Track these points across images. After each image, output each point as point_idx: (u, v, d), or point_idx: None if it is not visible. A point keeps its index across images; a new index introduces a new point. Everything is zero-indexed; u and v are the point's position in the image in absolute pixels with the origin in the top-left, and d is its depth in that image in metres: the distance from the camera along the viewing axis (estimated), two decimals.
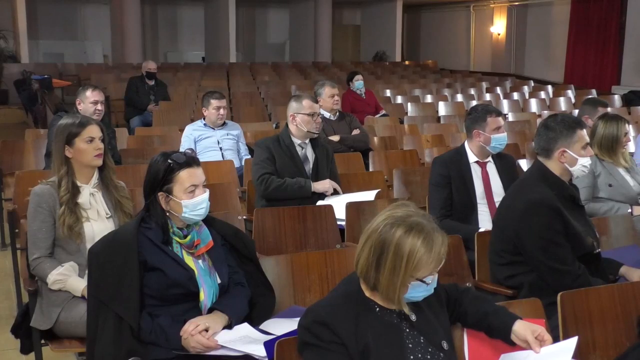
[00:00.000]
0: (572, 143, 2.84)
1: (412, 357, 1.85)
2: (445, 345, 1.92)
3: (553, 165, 2.87)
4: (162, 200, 2.36)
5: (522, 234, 2.76)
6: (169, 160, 2.36)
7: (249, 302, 2.48)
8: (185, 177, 2.36)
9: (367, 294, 1.90)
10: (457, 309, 2.08)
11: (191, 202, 2.35)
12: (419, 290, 1.85)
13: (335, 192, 3.96)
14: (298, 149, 4.01)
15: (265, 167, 3.90)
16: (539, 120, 7.82)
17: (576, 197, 2.92)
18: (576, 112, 6.41)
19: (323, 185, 3.92)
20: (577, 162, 2.85)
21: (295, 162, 3.96)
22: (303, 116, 3.97)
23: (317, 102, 4.15)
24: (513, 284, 2.85)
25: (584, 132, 2.88)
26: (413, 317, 1.91)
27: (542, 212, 2.71)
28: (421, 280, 1.82)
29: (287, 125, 4.07)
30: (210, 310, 2.36)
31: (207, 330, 2.25)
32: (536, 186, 2.81)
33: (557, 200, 2.75)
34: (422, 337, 1.89)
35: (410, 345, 1.87)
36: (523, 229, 2.75)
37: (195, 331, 2.23)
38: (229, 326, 2.34)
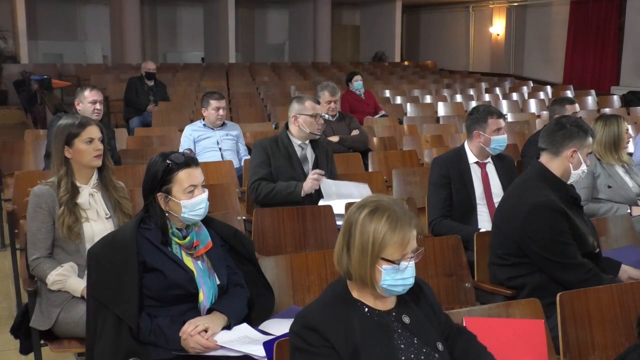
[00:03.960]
0: (583, 147, 2.86)
1: (403, 357, 1.84)
2: (440, 346, 1.91)
3: (557, 165, 2.86)
4: (161, 200, 2.36)
5: (528, 237, 2.74)
6: (168, 161, 2.36)
7: (248, 302, 2.48)
8: (184, 177, 2.36)
9: (355, 294, 1.90)
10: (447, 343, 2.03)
11: (190, 203, 2.35)
12: (394, 277, 1.83)
13: (321, 192, 3.90)
14: (298, 149, 4.00)
15: (257, 172, 3.88)
16: (538, 121, 7.84)
17: (577, 198, 2.92)
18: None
19: (306, 185, 3.79)
20: (581, 166, 2.86)
21: (292, 163, 3.94)
22: (305, 117, 3.96)
23: (319, 103, 4.13)
24: (515, 284, 2.85)
25: (591, 140, 2.91)
26: (407, 320, 1.90)
27: (547, 215, 2.71)
28: (390, 261, 1.82)
29: (286, 125, 4.07)
30: (209, 311, 2.37)
31: (206, 331, 2.25)
32: (539, 188, 2.79)
33: (560, 201, 2.75)
34: (415, 338, 1.89)
35: (403, 346, 1.86)
36: (529, 232, 2.74)
37: (194, 332, 2.24)
38: (227, 327, 2.34)
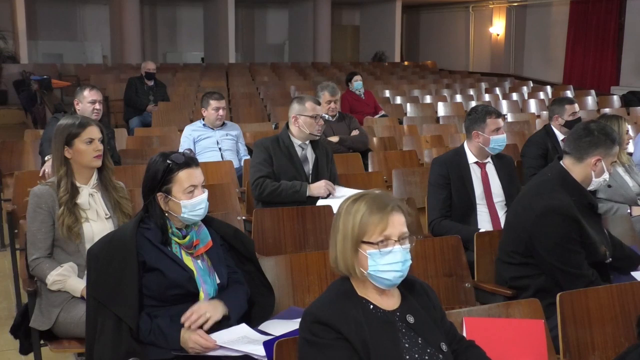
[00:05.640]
0: (608, 156, 2.80)
1: (407, 357, 1.84)
2: (444, 347, 1.91)
3: (579, 171, 2.81)
4: (161, 200, 2.36)
5: (536, 238, 2.73)
6: (168, 161, 2.36)
7: (248, 301, 2.48)
8: (184, 177, 2.36)
9: (359, 292, 1.91)
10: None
11: (190, 203, 2.35)
12: (380, 262, 1.83)
13: (330, 194, 3.93)
14: (298, 149, 4.00)
15: (261, 169, 3.89)
16: (538, 121, 7.84)
17: (594, 205, 2.87)
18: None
19: (318, 189, 3.88)
20: (603, 175, 2.81)
21: (293, 163, 3.95)
22: (305, 118, 3.96)
23: (319, 103, 4.13)
24: (518, 284, 2.84)
25: (617, 149, 2.86)
26: (411, 320, 1.91)
27: (558, 219, 2.68)
28: (372, 244, 1.83)
29: (287, 125, 4.07)
30: None
31: (207, 322, 2.25)
32: (556, 191, 2.76)
33: (575, 208, 2.71)
34: (420, 338, 1.89)
35: (407, 345, 1.86)
36: (538, 234, 2.72)
37: (195, 325, 2.23)
38: (227, 322, 2.33)
